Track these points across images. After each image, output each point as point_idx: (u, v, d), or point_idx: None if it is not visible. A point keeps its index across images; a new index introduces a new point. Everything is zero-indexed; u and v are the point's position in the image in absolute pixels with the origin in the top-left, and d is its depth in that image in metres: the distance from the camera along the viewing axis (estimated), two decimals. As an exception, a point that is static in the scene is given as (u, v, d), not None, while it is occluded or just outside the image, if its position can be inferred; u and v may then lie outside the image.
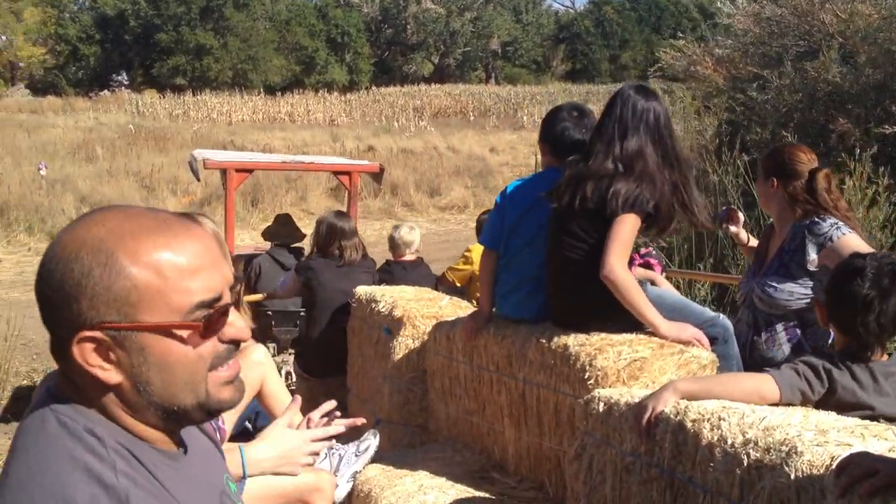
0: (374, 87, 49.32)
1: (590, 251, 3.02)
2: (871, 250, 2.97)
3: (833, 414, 2.07)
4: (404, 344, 4.28)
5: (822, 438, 1.83)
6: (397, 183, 17.68)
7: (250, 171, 6.67)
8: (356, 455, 2.69)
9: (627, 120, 3.05)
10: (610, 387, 2.75)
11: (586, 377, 2.85)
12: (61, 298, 1.11)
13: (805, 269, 3.26)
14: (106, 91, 45.92)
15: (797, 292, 3.27)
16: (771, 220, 3.60)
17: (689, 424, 2.13)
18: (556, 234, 3.17)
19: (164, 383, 1.15)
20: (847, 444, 1.77)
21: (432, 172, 20.16)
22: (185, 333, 1.14)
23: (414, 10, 59.48)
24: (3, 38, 57.27)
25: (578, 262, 3.06)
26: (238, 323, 1.19)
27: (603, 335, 2.99)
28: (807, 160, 3.34)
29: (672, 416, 2.20)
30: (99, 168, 18.85)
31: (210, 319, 1.15)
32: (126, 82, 51.56)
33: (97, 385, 1.14)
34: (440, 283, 5.95)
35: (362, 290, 4.93)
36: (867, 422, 1.98)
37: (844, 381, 2.36)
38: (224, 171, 6.36)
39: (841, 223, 3.23)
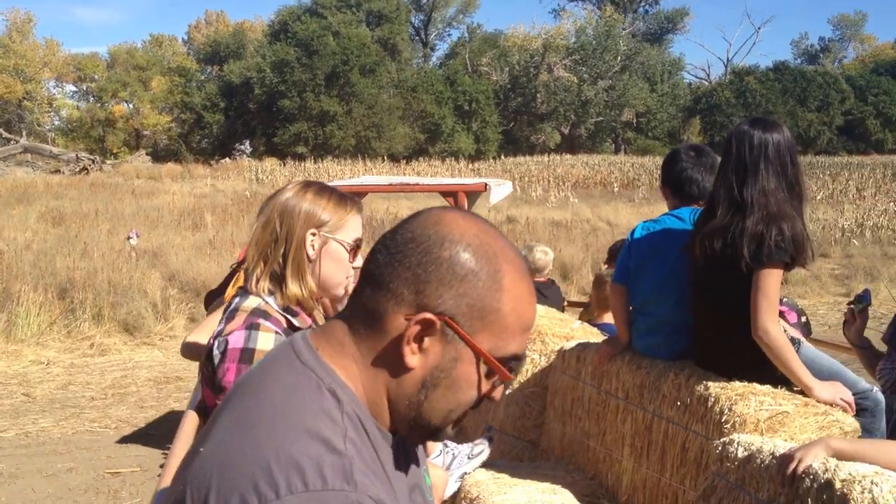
0: (501, 157, 46.87)
1: (735, 305, 2.94)
2: None
3: None
4: (530, 358, 4.19)
5: None
6: (569, 265, 13.82)
7: (359, 194, 6.65)
8: (469, 457, 2.50)
9: (745, 158, 2.95)
10: (747, 434, 2.66)
11: (723, 420, 2.80)
12: (430, 273, 1.11)
13: None
14: (227, 159, 44.63)
15: None
16: None
17: (838, 484, 2.03)
18: (698, 286, 3.15)
19: (442, 398, 1.15)
20: None
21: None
22: (486, 371, 1.15)
23: (545, 79, 56.96)
24: (130, 105, 57.72)
25: (725, 316, 3.02)
26: (501, 391, 1.21)
27: (746, 383, 2.94)
28: None
29: (820, 472, 2.12)
30: (202, 238, 15.88)
31: (511, 372, 1.17)
32: (248, 151, 50.65)
33: (388, 359, 1.14)
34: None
35: None
36: None
37: None
38: None
39: None
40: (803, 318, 3.87)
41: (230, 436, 1.10)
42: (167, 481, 2.29)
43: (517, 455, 4.21)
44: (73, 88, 63.91)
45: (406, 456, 1.24)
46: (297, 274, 2.12)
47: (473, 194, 7.48)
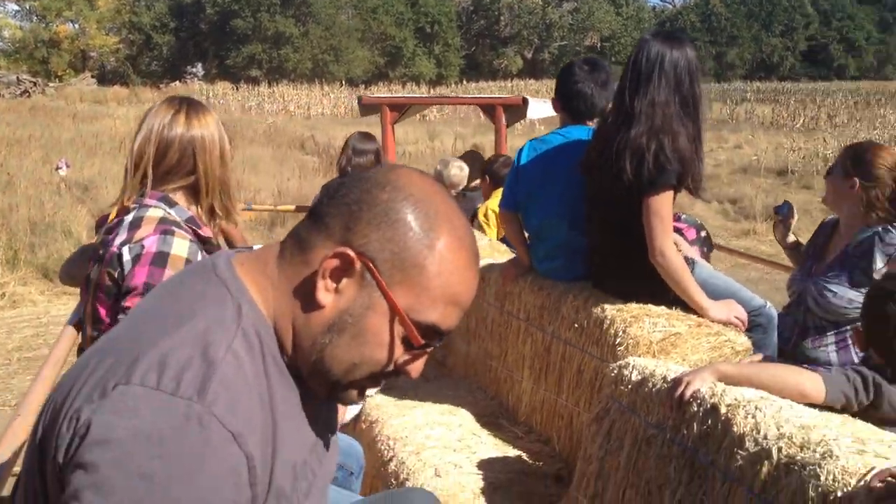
0: (463, 82, 45.62)
1: (627, 227, 2.94)
2: None
3: (871, 425, 1.92)
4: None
5: (860, 447, 1.73)
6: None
7: (403, 105, 7.12)
8: None
9: (641, 67, 2.88)
10: (640, 356, 2.67)
11: (617, 342, 2.82)
12: (363, 211, 1.10)
13: (870, 277, 3.08)
14: (177, 82, 42.78)
15: (857, 301, 3.06)
16: (830, 216, 3.56)
17: (723, 409, 2.04)
18: (593, 202, 3.12)
19: (346, 347, 1.12)
20: (885, 457, 1.67)
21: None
22: (401, 333, 1.12)
23: (509, 1, 55.20)
24: (76, 25, 55.07)
25: (618, 238, 3.01)
26: (419, 367, 1.18)
27: (642, 304, 2.95)
28: (892, 164, 3.15)
29: (707, 396, 2.12)
30: (142, 167, 14.60)
31: (425, 344, 1.13)
32: (200, 74, 48.69)
33: (303, 291, 1.12)
34: None
35: None
36: None
37: (893, 398, 2.27)
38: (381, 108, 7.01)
39: None
40: (703, 233, 3.76)
41: (122, 330, 1.11)
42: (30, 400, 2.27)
43: (423, 374, 4.02)
44: (15, 7, 60.72)
45: (314, 401, 1.20)
46: (228, 196, 2.34)
47: (512, 108, 7.38)
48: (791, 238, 3.78)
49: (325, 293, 1.10)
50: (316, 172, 16.46)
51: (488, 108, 7.54)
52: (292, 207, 8.22)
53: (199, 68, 50.04)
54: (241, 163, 15.43)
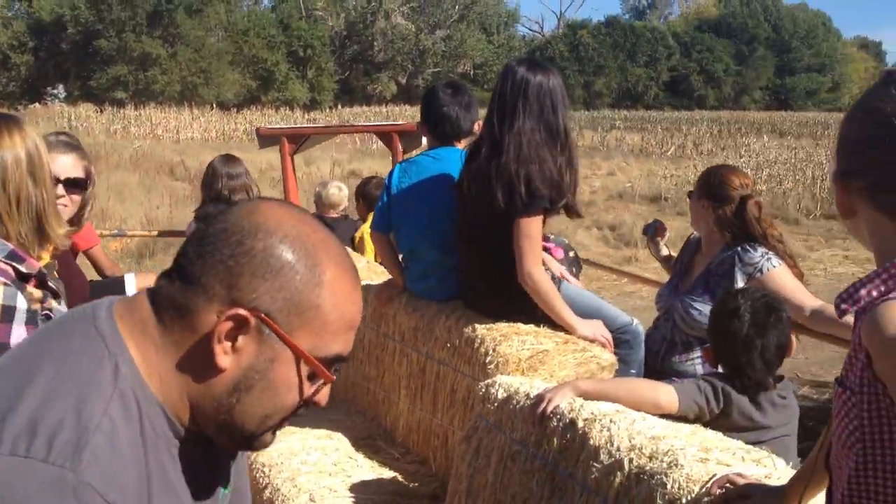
0: (338, 107, 45.64)
1: (497, 250, 3.02)
2: (798, 285, 3.21)
3: (719, 434, 2.03)
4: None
5: (704, 455, 1.83)
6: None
7: (301, 136, 7.14)
8: None
9: (506, 96, 2.99)
10: (510, 374, 2.76)
11: (487, 361, 2.88)
12: (243, 266, 1.06)
13: None
14: (36, 104, 41.06)
15: None
16: (694, 233, 3.67)
17: (580, 423, 2.12)
18: (470, 226, 3.16)
19: (257, 402, 1.10)
20: (727, 464, 1.79)
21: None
22: (308, 371, 1.11)
23: (382, 26, 55.67)
24: (-76, 42, 52.14)
25: (489, 262, 3.08)
26: (327, 393, 1.18)
27: (511, 323, 3.03)
28: (739, 185, 3.32)
29: (566, 412, 2.20)
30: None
31: (334, 373, 1.14)
32: (61, 95, 46.90)
33: (196, 359, 1.08)
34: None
35: None
36: (749, 446, 1.92)
37: (741, 405, 2.44)
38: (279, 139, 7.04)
39: (772, 254, 3.25)
40: (571, 253, 3.90)
41: None
42: None
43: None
44: None
45: (202, 459, 1.17)
46: (58, 219, 2.18)
47: (407, 135, 7.27)
48: (665, 251, 3.95)
49: (223, 357, 1.07)
50: (187, 199, 16.04)
51: (385, 136, 7.64)
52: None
53: (60, 89, 48.21)
54: (105, 190, 14.77)
